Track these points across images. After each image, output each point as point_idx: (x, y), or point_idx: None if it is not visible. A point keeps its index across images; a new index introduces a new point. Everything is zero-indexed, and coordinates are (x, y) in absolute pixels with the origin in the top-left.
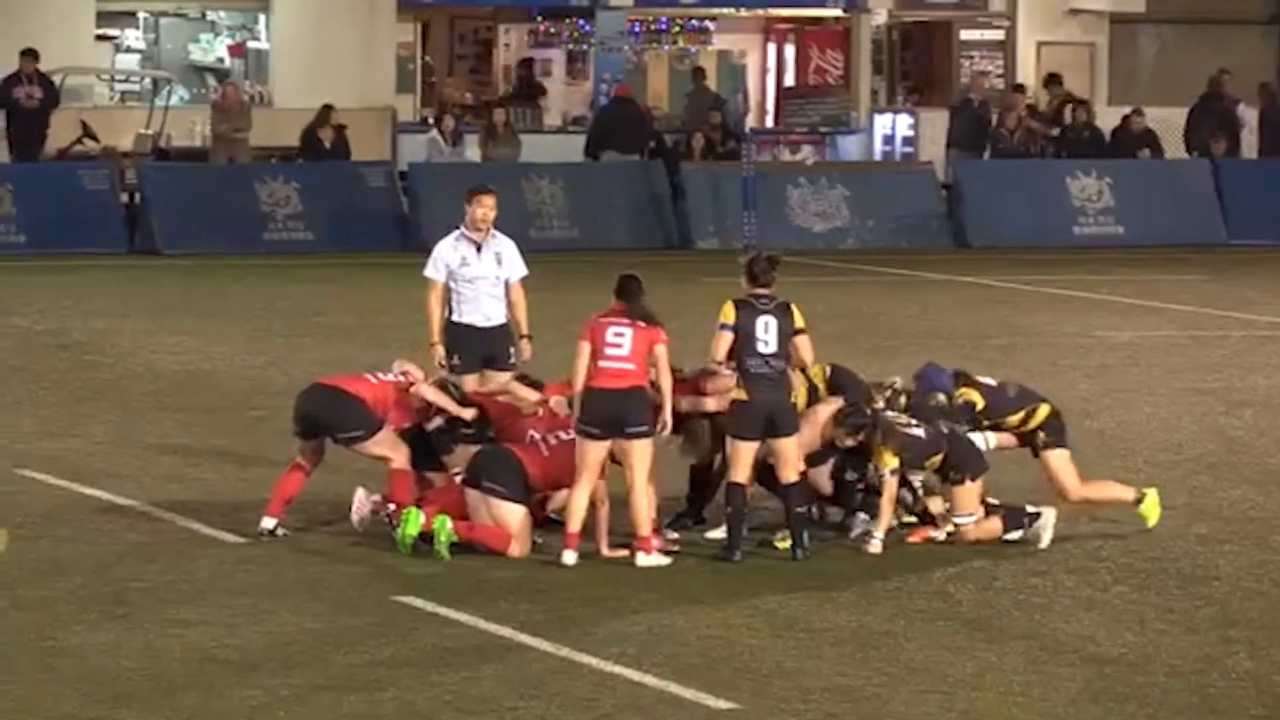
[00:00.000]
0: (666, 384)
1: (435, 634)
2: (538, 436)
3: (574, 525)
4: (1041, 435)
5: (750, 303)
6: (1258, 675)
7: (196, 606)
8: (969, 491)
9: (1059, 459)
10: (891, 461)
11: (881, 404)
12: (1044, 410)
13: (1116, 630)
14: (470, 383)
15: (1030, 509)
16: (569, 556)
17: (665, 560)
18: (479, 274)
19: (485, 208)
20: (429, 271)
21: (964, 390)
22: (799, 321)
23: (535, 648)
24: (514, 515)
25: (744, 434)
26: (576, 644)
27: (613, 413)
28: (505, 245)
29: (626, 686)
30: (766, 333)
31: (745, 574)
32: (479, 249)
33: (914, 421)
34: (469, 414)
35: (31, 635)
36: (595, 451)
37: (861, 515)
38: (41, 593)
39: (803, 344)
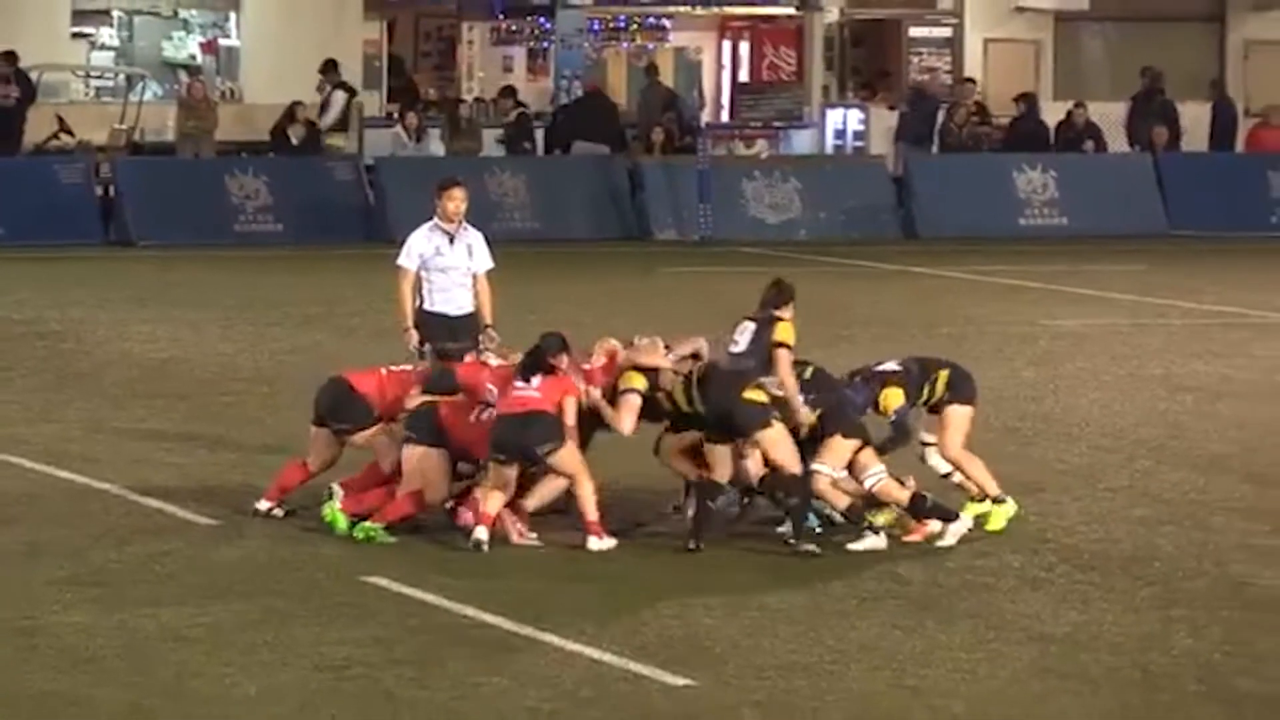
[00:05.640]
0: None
1: (401, 613)
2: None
3: (489, 508)
4: (947, 394)
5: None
6: (1197, 653)
7: (169, 587)
8: (839, 446)
9: (958, 414)
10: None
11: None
12: (944, 376)
13: (1061, 609)
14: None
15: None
16: (480, 532)
17: (614, 543)
18: (451, 264)
19: (455, 200)
20: (402, 260)
21: (886, 393)
22: (779, 335)
23: (498, 626)
24: (431, 459)
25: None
26: (537, 623)
27: (515, 439)
28: (475, 238)
29: (586, 664)
30: (740, 335)
31: (701, 556)
32: (452, 240)
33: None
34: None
35: (9, 614)
36: (505, 472)
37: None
38: (19, 574)
39: (781, 359)
